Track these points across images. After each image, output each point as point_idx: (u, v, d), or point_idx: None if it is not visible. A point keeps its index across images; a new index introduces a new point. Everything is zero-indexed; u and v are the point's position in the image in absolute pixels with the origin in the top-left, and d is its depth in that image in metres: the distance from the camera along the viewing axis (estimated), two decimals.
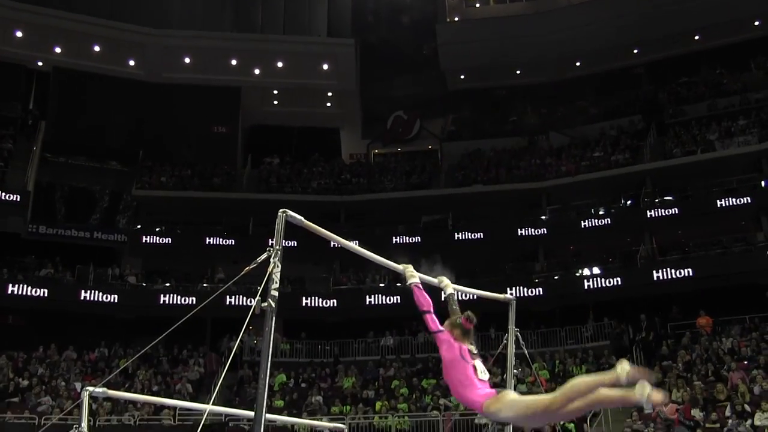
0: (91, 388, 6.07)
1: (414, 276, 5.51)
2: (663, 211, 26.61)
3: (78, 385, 21.74)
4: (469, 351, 5.21)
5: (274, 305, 4.34)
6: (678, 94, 31.75)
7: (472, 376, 5.07)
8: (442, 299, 5.71)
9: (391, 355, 26.10)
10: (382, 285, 27.62)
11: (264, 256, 4.49)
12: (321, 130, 35.73)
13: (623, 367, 4.52)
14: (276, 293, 4.38)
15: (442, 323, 5.29)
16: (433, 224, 30.09)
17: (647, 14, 30.12)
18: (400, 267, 5.57)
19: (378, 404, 21.83)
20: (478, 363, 5.16)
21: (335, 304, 27.26)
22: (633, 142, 29.88)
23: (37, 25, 29.88)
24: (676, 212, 26.49)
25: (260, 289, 4.37)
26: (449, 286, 5.86)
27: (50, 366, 24.00)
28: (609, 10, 30.62)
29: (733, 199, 25.63)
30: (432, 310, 5.32)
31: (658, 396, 4.55)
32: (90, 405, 6.11)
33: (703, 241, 26.71)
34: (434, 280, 5.89)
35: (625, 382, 4.48)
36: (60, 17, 29.84)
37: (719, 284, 24.17)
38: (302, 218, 4.72)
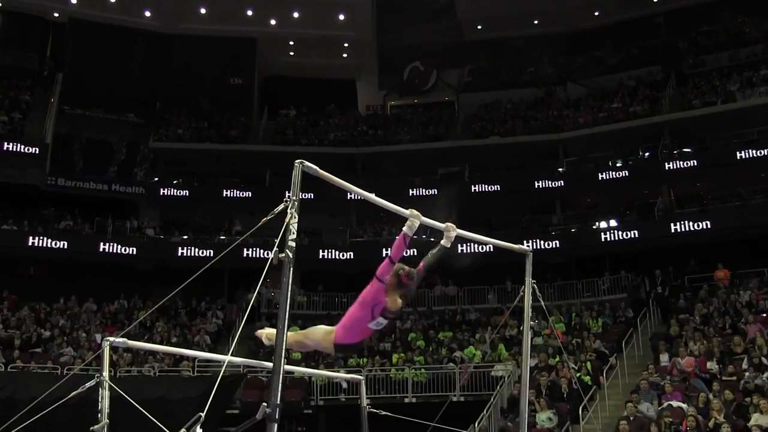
0: (111, 338, 6.11)
1: (413, 225, 5.47)
2: (681, 163, 26.37)
3: (98, 336, 22.03)
4: (385, 308, 5.57)
5: (291, 256, 4.33)
6: (698, 43, 31.23)
7: (361, 327, 5.67)
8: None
9: (407, 307, 26.17)
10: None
11: (281, 207, 4.47)
12: (337, 82, 35.53)
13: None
14: (294, 244, 4.37)
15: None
16: (450, 176, 30.00)
17: None
18: (407, 212, 5.54)
19: (394, 356, 22.00)
20: (380, 321, 5.60)
21: (352, 257, 27.36)
22: (651, 92, 29.50)
23: None
24: (695, 164, 26.24)
25: (277, 240, 4.37)
26: (449, 239, 5.94)
27: (71, 317, 24.33)
28: None
29: (753, 151, 25.31)
30: (395, 261, 5.47)
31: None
32: (110, 356, 6.16)
33: (722, 194, 26.53)
34: (441, 225, 5.87)
35: None
36: None
37: (737, 236, 24.05)
38: (318, 168, 4.69)
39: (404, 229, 5.40)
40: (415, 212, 5.46)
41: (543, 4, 31.95)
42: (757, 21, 30.64)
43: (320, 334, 5.82)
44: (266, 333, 5.97)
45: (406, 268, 5.52)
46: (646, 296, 23.82)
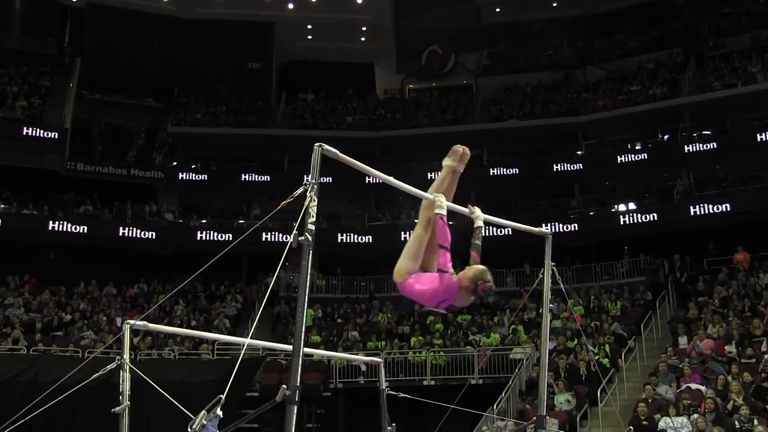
0: (131, 322, 6.18)
1: (442, 206, 5.46)
2: (701, 145, 26.19)
3: (119, 320, 22.21)
4: (452, 305, 5.54)
5: (311, 239, 4.36)
6: (719, 25, 30.89)
7: (422, 300, 5.61)
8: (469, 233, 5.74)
9: None
10: (416, 221, 27.59)
11: (300, 190, 4.48)
12: (355, 66, 35.48)
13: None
14: (313, 227, 4.39)
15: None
16: (469, 159, 29.88)
17: None
18: (430, 196, 5.55)
19: (413, 339, 22.06)
20: (441, 308, 5.75)
21: (370, 240, 27.42)
22: (671, 75, 29.25)
23: None
24: (715, 147, 26.04)
25: (296, 224, 4.39)
26: (479, 218, 5.86)
27: (91, 301, 24.55)
28: None
29: None
30: (449, 247, 5.40)
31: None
32: (131, 339, 6.24)
33: (742, 176, 26.35)
34: (465, 210, 5.86)
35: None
36: None
37: (757, 219, 23.87)
38: (337, 152, 4.70)
39: (437, 212, 5.42)
40: (440, 197, 5.47)
41: None
42: None
43: (404, 260, 5.53)
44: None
45: (489, 281, 5.39)
46: (665, 279, 23.74)
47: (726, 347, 17.38)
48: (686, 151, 26.29)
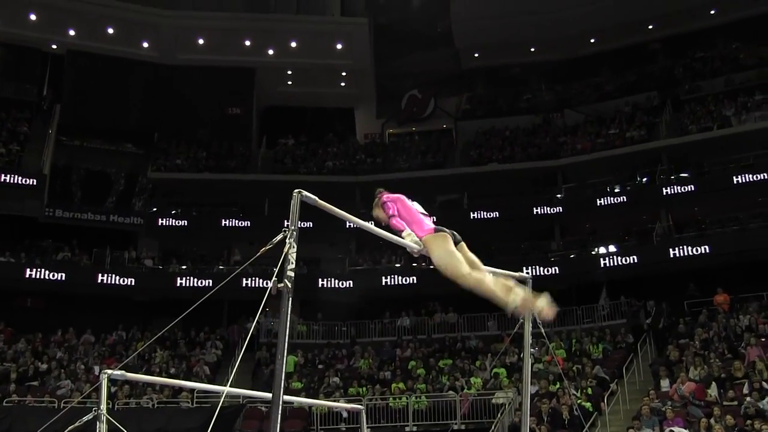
0: (109, 371, 6.09)
1: (413, 248, 5.73)
2: (679, 187, 26.43)
3: (96, 369, 21.91)
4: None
5: (290, 286, 4.32)
6: (694, 69, 31.43)
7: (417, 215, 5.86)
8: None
9: (407, 335, 26.14)
10: (398, 265, 27.62)
11: (279, 236, 4.46)
12: (335, 110, 35.66)
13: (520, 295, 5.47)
14: (292, 274, 4.36)
15: None
16: (449, 203, 30.06)
17: None
18: (411, 243, 5.61)
19: (394, 385, 21.87)
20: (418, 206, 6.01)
21: (351, 285, 27.28)
22: (648, 118, 29.65)
23: (51, 7, 29.85)
24: (692, 189, 26.28)
25: (276, 270, 4.36)
26: (412, 248, 5.92)
27: (69, 349, 24.21)
28: None
29: (750, 175, 25.38)
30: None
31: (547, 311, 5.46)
32: (109, 388, 6.14)
33: (720, 218, 26.56)
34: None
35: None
36: None
37: (736, 261, 24.06)
38: (317, 198, 4.69)
39: (406, 241, 5.68)
40: (416, 239, 5.53)
41: (539, 31, 32.17)
42: (751, 47, 30.88)
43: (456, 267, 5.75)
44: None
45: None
46: (646, 318, 23.81)
47: (707, 390, 17.35)
48: (664, 193, 26.52)
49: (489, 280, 5.64)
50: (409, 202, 5.98)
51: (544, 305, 5.52)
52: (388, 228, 5.87)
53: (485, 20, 32.10)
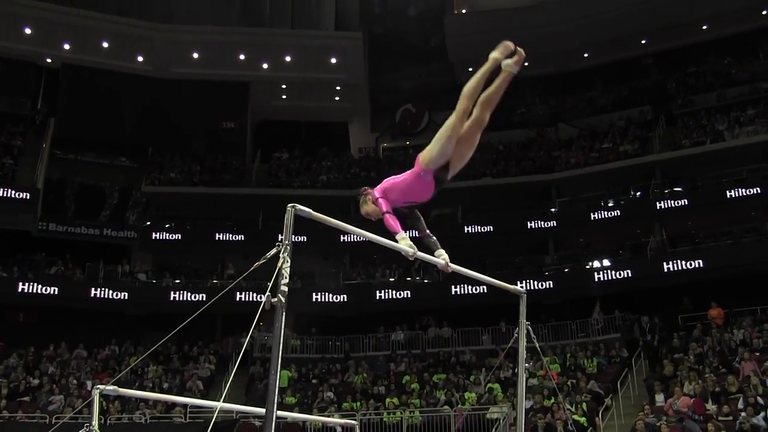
0: (101, 387, 6.04)
1: (407, 251, 5.69)
2: (673, 201, 26.49)
3: (89, 384, 21.77)
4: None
5: (284, 301, 4.31)
6: (686, 83, 31.58)
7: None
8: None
9: (401, 350, 26.09)
10: (392, 279, 27.60)
11: (273, 251, 4.45)
12: (330, 124, 35.71)
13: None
14: (286, 288, 4.35)
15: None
16: (443, 217, 30.02)
17: (655, 4, 29.87)
18: (405, 247, 5.55)
19: (389, 400, 21.79)
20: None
21: (345, 299, 27.25)
22: (642, 132, 29.75)
23: (45, 21, 29.92)
24: (686, 203, 26.35)
25: (270, 284, 4.34)
26: (406, 251, 5.80)
27: (61, 364, 24.06)
28: (616, 0, 30.44)
29: (743, 190, 25.46)
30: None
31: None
32: (101, 403, 6.09)
33: (714, 232, 26.60)
34: (437, 261, 5.84)
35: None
36: (68, 13, 29.84)
37: (730, 275, 24.05)
38: (311, 211, 4.68)
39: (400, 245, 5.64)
40: (410, 242, 5.48)
41: (532, 45, 31.96)
42: (743, 62, 31.08)
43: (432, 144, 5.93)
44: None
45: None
46: (640, 335, 23.77)
47: (706, 405, 17.32)
48: (658, 207, 26.56)
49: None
50: (395, 179, 5.97)
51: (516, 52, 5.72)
52: (382, 232, 5.81)
53: (479, 34, 32.13)
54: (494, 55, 5.88)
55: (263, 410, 4.53)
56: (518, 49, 5.63)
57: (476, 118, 5.51)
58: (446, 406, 20.90)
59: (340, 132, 35.84)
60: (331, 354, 26.34)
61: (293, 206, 4.57)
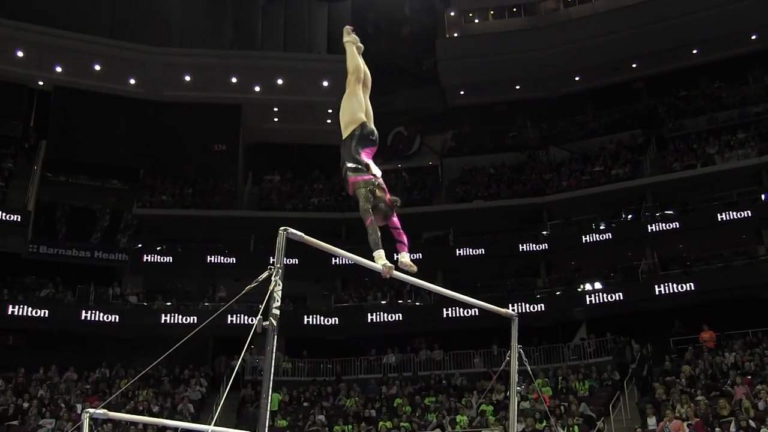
0: (91, 410, 6.02)
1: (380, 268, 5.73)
2: (664, 225, 26.57)
3: (79, 407, 21.61)
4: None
5: (275, 324, 4.31)
6: (677, 107, 31.78)
7: None
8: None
9: (393, 372, 26.01)
10: (383, 302, 27.57)
11: (265, 274, 4.46)
12: (321, 147, 35.62)
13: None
14: (278, 312, 4.35)
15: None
16: (435, 240, 30.08)
17: (646, 29, 30.16)
18: (379, 266, 5.56)
19: (381, 423, 21.69)
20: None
21: (337, 322, 27.19)
22: (633, 156, 29.89)
23: (37, 44, 29.90)
24: (677, 226, 26.43)
25: (261, 307, 4.35)
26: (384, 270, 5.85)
27: (51, 387, 23.86)
28: (607, 24, 30.74)
29: (734, 213, 25.57)
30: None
31: None
32: (91, 427, 6.06)
33: (705, 255, 26.67)
34: (415, 281, 5.86)
35: None
36: (60, 36, 29.82)
37: (721, 298, 24.12)
38: (303, 234, 4.69)
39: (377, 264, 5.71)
40: (388, 265, 5.51)
41: (525, 70, 32.54)
42: (733, 86, 31.32)
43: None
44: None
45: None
46: (632, 359, 23.74)
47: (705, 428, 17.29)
48: (649, 230, 26.63)
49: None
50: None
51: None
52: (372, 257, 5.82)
53: (470, 59, 32.47)
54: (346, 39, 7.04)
55: None
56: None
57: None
58: (438, 429, 20.81)
59: (331, 154, 35.56)
60: (323, 377, 26.23)
61: (285, 230, 4.58)
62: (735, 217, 25.48)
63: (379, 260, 5.62)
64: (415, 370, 26.04)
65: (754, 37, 31.10)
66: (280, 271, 4.42)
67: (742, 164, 26.68)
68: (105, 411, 6.13)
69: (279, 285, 4.38)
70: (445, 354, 26.28)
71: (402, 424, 21.44)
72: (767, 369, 19.69)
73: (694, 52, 31.91)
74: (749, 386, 18.74)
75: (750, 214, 25.39)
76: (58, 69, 30.77)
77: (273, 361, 4.26)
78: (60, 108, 31.16)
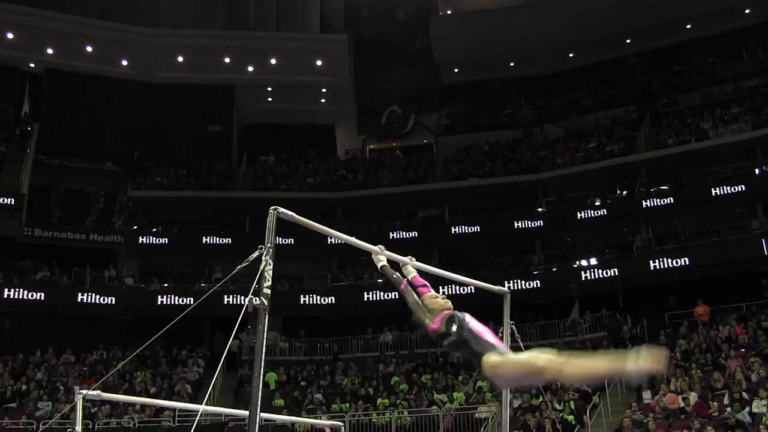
0: (84, 391, 6.03)
1: (379, 260, 5.53)
2: (658, 200, 26.62)
3: (77, 389, 21.65)
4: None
5: (266, 303, 4.33)
6: (671, 83, 31.74)
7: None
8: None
9: (390, 351, 26.10)
10: (380, 281, 27.56)
11: (256, 254, 4.48)
12: (316, 127, 35.71)
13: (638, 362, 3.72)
14: (269, 291, 4.37)
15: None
16: (430, 218, 30.08)
17: (639, 4, 30.05)
18: (374, 248, 5.53)
19: (378, 400, 21.80)
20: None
21: (333, 301, 27.26)
22: (627, 132, 29.89)
23: (28, 26, 29.78)
24: (672, 201, 26.49)
25: (252, 287, 4.37)
26: (378, 261, 5.65)
27: (48, 370, 23.93)
28: (601, 0, 30.59)
29: (728, 188, 25.63)
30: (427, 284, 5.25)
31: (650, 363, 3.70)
32: (89, 408, 6.09)
33: (699, 230, 26.73)
34: (403, 259, 5.70)
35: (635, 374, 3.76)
36: (52, 18, 29.70)
37: (716, 272, 24.18)
38: (294, 214, 4.69)
39: (379, 265, 5.52)
40: (376, 249, 5.55)
41: (518, 47, 32.44)
42: (727, 61, 31.26)
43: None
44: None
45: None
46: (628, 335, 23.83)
47: (690, 398, 17.41)
48: (644, 206, 26.69)
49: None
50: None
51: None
52: (364, 236, 5.80)
53: (464, 36, 32.34)
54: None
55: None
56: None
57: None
58: (434, 407, 20.93)
59: (326, 134, 35.84)
60: (320, 356, 26.31)
61: (275, 209, 4.59)
62: (729, 191, 25.55)
63: (380, 254, 5.50)
64: (412, 348, 26.13)
65: (747, 11, 30.97)
66: (271, 250, 4.44)
67: (736, 139, 26.70)
68: (98, 392, 6.17)
69: (270, 264, 4.39)
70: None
71: (399, 401, 21.55)
72: (760, 342, 19.79)
73: (688, 27, 31.83)
74: (743, 359, 18.86)
75: (744, 189, 25.46)
76: (49, 51, 30.66)
77: (264, 340, 4.28)
78: (52, 91, 31.07)
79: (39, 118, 31.01)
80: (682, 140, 27.74)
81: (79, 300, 25.92)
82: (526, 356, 4.17)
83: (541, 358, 4.07)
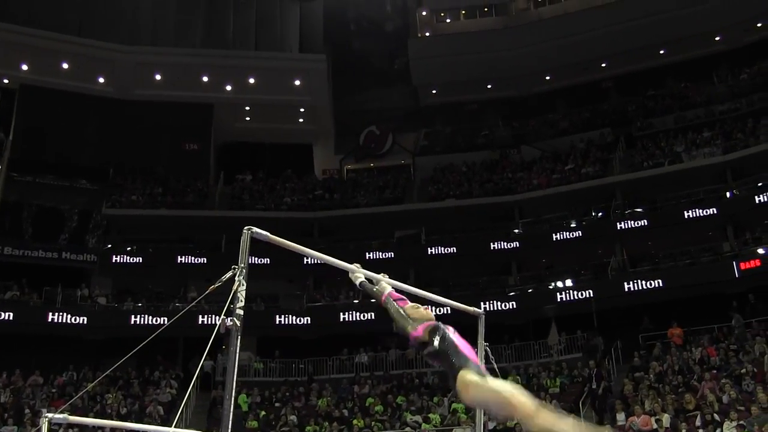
0: (50, 414, 5.93)
1: (356, 277, 5.51)
2: (633, 222, 26.81)
3: (44, 411, 21.25)
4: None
5: (239, 324, 4.29)
6: (645, 106, 32.14)
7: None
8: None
9: (365, 372, 25.97)
10: (356, 301, 27.50)
11: (229, 274, 4.44)
12: (293, 146, 35.62)
13: None
14: (241, 312, 4.33)
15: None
16: (407, 239, 30.09)
17: (614, 29, 30.52)
18: (350, 266, 5.52)
19: (353, 422, 21.66)
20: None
21: (309, 322, 27.10)
22: (603, 154, 30.16)
23: (3, 42, 29.53)
24: (646, 223, 26.69)
25: (225, 307, 4.33)
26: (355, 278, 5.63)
27: (15, 392, 23.40)
28: (577, 25, 31.03)
29: (700, 210, 25.89)
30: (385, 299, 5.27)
31: None
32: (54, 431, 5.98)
33: (672, 252, 26.94)
34: (377, 276, 5.68)
35: None
36: (27, 34, 29.48)
37: (689, 294, 24.36)
38: (268, 234, 4.67)
39: (356, 282, 5.51)
40: (353, 267, 5.50)
41: (496, 69, 32.70)
42: (699, 85, 31.74)
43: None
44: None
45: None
46: (603, 356, 23.87)
47: (663, 420, 17.44)
48: (619, 228, 26.86)
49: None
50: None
51: None
52: (341, 256, 5.76)
53: (442, 58, 32.57)
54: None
55: None
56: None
57: None
58: (409, 428, 20.83)
59: (304, 154, 35.80)
60: (295, 377, 26.12)
61: (249, 229, 4.56)
62: (701, 214, 25.81)
63: (357, 272, 5.50)
64: (387, 369, 26.03)
65: (717, 38, 31.55)
66: (244, 270, 4.40)
67: (707, 162, 27.06)
68: (65, 415, 6.06)
69: (243, 285, 4.36)
70: (417, 352, 26.19)
71: (374, 423, 21.43)
72: (731, 363, 19.92)
73: (662, 52, 32.31)
74: (715, 381, 18.96)
75: (716, 212, 25.75)
76: (25, 67, 30.46)
77: (236, 360, 4.24)
78: (26, 106, 30.77)
79: (12, 134, 30.66)
80: (656, 163, 28.03)
81: (49, 319, 25.51)
82: (504, 388, 4.11)
83: (517, 397, 4.02)
